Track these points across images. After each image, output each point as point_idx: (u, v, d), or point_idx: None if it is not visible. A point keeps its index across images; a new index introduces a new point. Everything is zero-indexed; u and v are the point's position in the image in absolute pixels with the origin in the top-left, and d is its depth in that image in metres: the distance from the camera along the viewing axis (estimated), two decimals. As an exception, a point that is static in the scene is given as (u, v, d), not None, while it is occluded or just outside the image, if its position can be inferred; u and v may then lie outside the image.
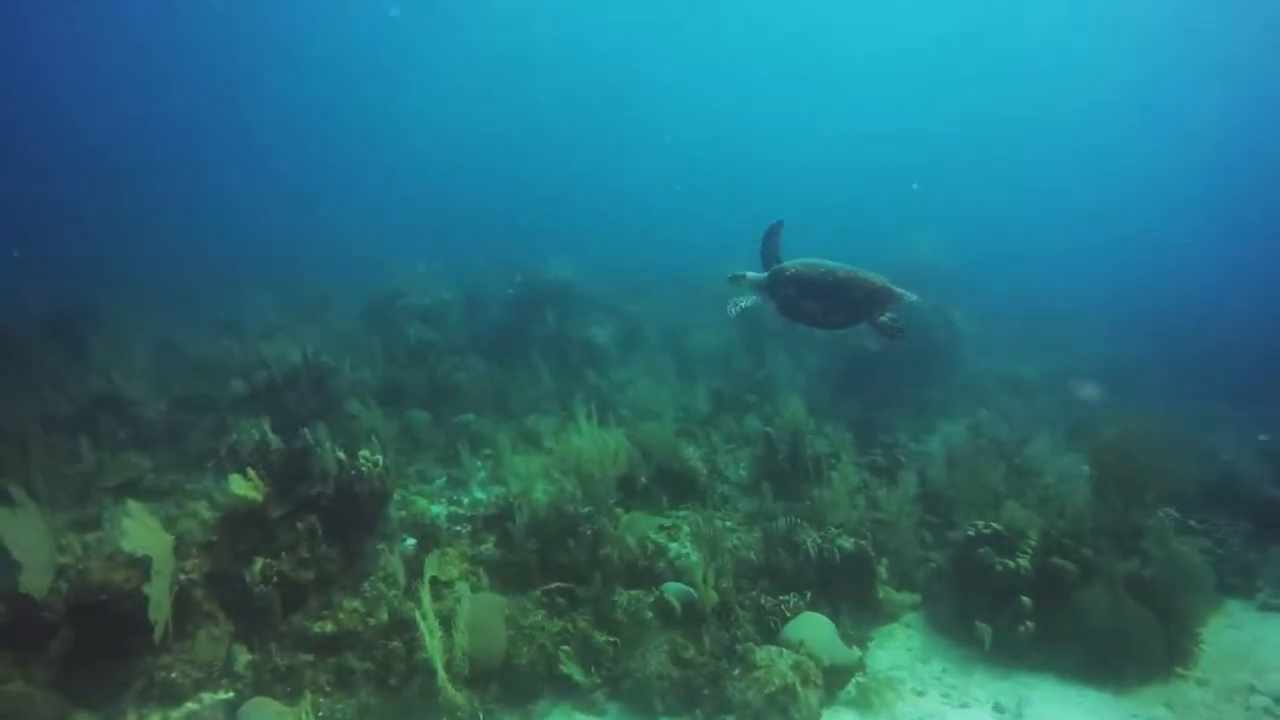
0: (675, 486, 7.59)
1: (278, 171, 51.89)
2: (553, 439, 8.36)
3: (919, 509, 6.94)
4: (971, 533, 6.00)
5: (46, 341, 11.08)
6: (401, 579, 5.09)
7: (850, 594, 5.85)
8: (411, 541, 6.12)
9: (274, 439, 5.21)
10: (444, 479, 8.29)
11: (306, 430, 5.19)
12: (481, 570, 5.65)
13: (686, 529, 6.85)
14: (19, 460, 6.76)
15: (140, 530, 4.08)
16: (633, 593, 5.47)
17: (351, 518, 5.30)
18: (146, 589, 4.05)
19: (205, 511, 5.32)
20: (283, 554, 4.84)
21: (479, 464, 8.54)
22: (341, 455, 5.31)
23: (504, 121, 55.92)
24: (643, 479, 7.45)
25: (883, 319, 4.22)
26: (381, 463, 5.41)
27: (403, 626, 4.69)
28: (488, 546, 5.98)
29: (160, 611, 4.08)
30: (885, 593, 6.14)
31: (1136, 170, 45.86)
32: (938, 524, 7.17)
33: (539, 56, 52.24)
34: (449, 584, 5.40)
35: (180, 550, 4.89)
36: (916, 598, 6.32)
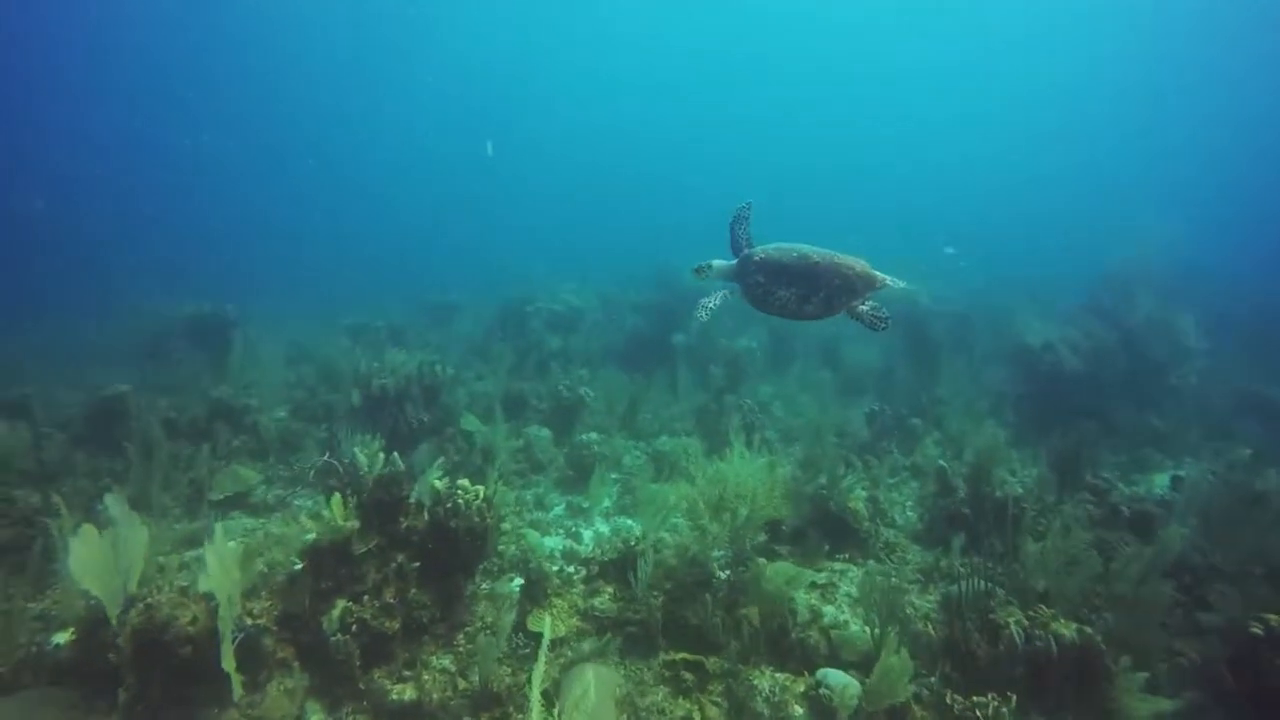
0: (831, 529, 6.57)
1: (412, 177, 56.09)
2: (690, 463, 7.63)
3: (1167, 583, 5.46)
4: (1259, 630, 4.54)
5: (189, 344, 11.82)
6: (504, 636, 4.47)
7: (1073, 700, 4.58)
8: (518, 584, 5.54)
9: (366, 460, 4.78)
10: (563, 506, 7.72)
11: (397, 454, 4.70)
12: (594, 628, 4.96)
13: (846, 589, 5.81)
14: (141, 466, 6.91)
15: (215, 563, 3.69)
16: (778, 676, 4.56)
17: (447, 558, 4.76)
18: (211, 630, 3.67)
19: (296, 539, 4.97)
20: (366, 597, 4.37)
21: (604, 490, 7.91)
22: (438, 483, 4.80)
23: (637, 119, 57.57)
24: (792, 521, 6.51)
25: (862, 307, 3.93)
26: (482, 495, 4.83)
27: (495, 700, 4.05)
28: (604, 599, 5.26)
29: (228, 662, 3.68)
30: (1126, 700, 4.77)
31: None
32: (1184, 600, 5.64)
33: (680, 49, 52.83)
34: (556, 643, 4.76)
35: (262, 584, 4.59)
36: (1167, 706, 4.88)
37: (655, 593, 5.05)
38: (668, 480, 7.95)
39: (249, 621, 4.06)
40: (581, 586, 5.48)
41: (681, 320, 12.86)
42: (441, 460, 5.47)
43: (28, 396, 8.54)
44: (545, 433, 8.80)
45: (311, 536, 4.44)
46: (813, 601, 5.50)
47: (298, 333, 13.71)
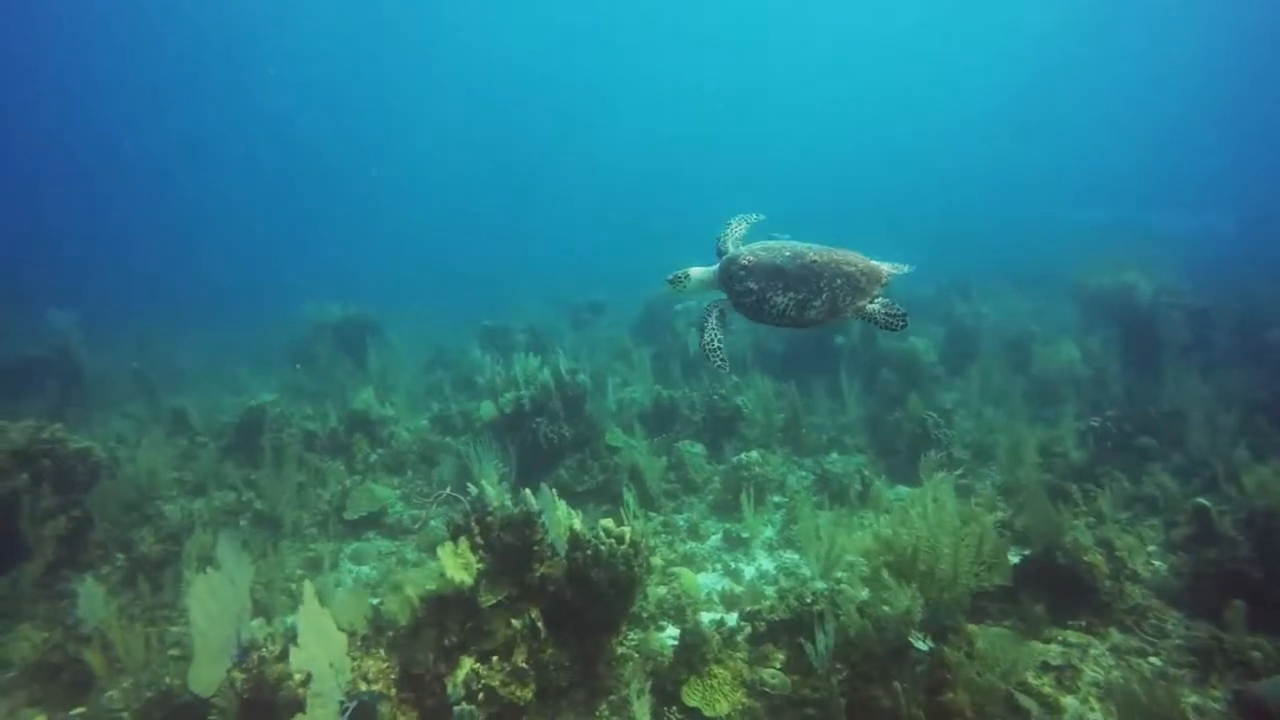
0: (1054, 584, 5.39)
1: (546, 169, 58.02)
2: (867, 495, 6.72)
3: None
4: None
5: (336, 348, 12.23)
6: (652, 710, 3.85)
7: None
8: (672, 636, 4.90)
9: (495, 495, 4.31)
10: (720, 535, 7.02)
11: (529, 491, 4.18)
12: (763, 708, 4.21)
13: (1091, 673, 4.67)
14: (273, 481, 6.96)
15: (310, 633, 3.30)
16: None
17: (587, 612, 4.19)
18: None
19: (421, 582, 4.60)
20: (495, 659, 3.87)
21: (766, 518, 7.15)
22: (578, 524, 4.23)
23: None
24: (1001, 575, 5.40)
25: (872, 306, 3.54)
26: (628, 540, 4.21)
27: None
28: (774, 670, 4.49)
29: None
30: None
31: None
32: None
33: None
34: (716, 722, 4.07)
35: (377, 633, 4.24)
36: None
37: (838, 665, 4.23)
38: (841, 506, 7.09)
39: (363, 686, 3.67)
40: (746, 650, 4.73)
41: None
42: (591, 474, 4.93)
43: (184, 407, 8.99)
44: (698, 448, 8.13)
45: (434, 585, 4.01)
46: (1046, 688, 4.43)
47: (439, 335, 13.94)
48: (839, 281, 3.45)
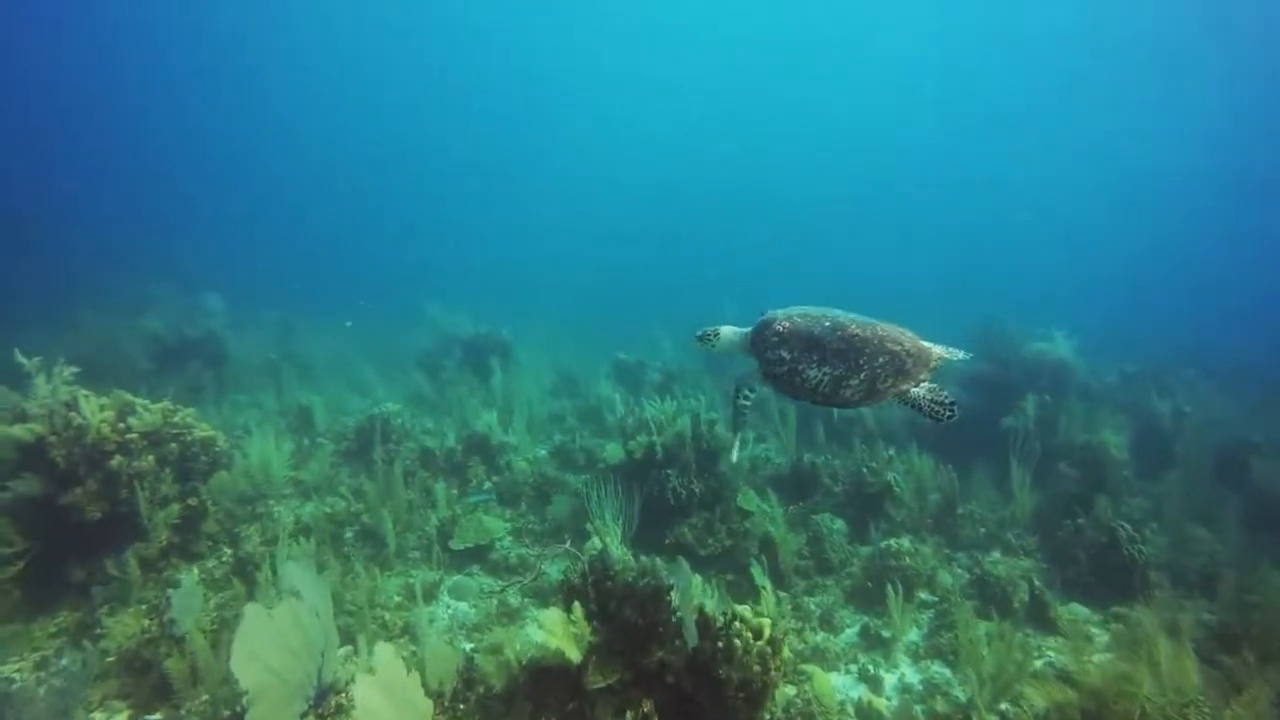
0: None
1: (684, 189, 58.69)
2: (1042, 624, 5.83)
3: None
4: None
5: (464, 363, 12.33)
6: None
7: None
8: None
9: (621, 556, 3.86)
10: (857, 629, 6.27)
11: (659, 560, 3.70)
12: None
13: None
14: (384, 496, 6.84)
15: (377, 701, 2.94)
16: None
17: (708, 715, 3.64)
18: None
19: (522, 647, 4.20)
20: (597, 754, 3.40)
21: (911, 618, 6.34)
22: (709, 607, 3.72)
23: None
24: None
25: (917, 391, 3.24)
26: (767, 635, 3.65)
27: None
28: (928, 825, 3.77)
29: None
30: None
31: None
32: None
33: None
34: None
35: (466, 687, 3.86)
36: None
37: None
38: (1004, 618, 6.17)
39: (447, 764, 3.28)
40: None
41: (1016, 400, 10.68)
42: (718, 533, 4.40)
43: (310, 405, 9.18)
44: (839, 524, 7.40)
45: (537, 653, 3.59)
46: None
47: (568, 359, 13.83)
48: (881, 360, 3.20)
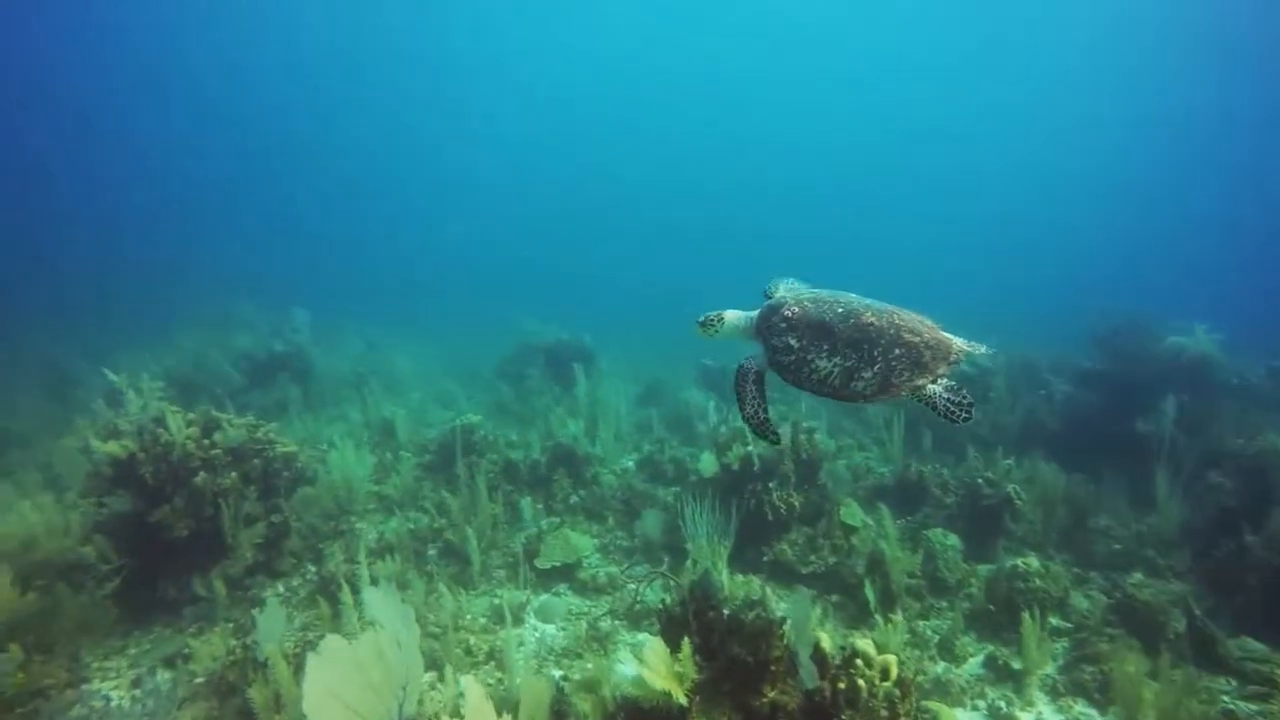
0: None
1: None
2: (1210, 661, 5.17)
3: None
4: None
5: (546, 371, 12.22)
6: None
7: None
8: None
9: (722, 584, 3.53)
10: (982, 659, 5.72)
11: (769, 589, 3.35)
12: None
13: None
14: (468, 511, 6.69)
15: None
16: None
17: (828, 765, 3.26)
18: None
19: (617, 684, 3.91)
20: (703, 808, 3.07)
21: (1047, 649, 5.74)
22: (826, 643, 3.34)
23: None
24: None
25: (933, 387, 2.91)
26: (894, 673, 3.25)
27: None
28: None
29: None
30: None
31: None
32: None
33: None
34: None
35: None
36: None
37: None
38: (1157, 651, 5.51)
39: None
40: None
41: (1146, 400, 9.80)
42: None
43: (393, 418, 9.18)
44: (953, 540, 6.84)
45: (634, 690, 3.29)
46: None
47: (653, 366, 13.58)
48: (897, 352, 2.90)
